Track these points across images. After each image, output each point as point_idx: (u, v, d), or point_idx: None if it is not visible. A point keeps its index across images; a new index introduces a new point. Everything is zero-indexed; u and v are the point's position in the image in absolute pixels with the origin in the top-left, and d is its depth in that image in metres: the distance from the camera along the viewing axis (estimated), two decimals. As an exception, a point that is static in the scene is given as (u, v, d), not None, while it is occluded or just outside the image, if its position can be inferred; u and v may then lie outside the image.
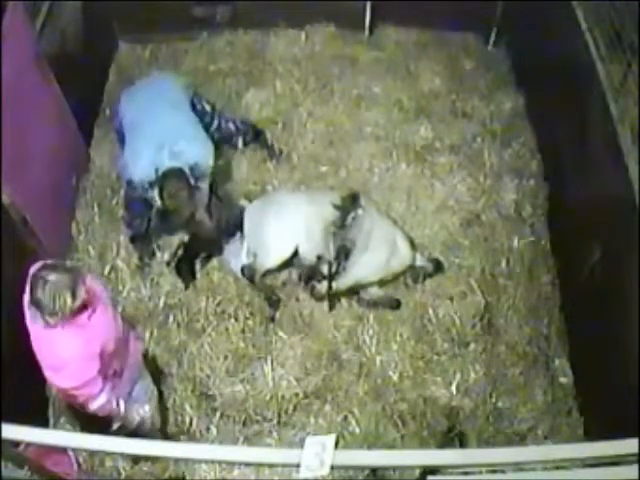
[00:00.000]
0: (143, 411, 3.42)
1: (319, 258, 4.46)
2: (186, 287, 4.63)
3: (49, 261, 3.00)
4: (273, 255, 4.49)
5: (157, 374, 4.14)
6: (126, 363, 3.40)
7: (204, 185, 4.51)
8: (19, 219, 4.01)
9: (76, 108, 4.98)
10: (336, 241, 4.42)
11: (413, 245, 4.61)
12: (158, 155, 4.29)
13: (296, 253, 4.49)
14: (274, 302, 4.53)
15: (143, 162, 4.33)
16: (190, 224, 4.55)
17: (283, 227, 4.46)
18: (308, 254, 4.49)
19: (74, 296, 2.85)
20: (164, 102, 4.57)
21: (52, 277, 2.82)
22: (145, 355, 3.82)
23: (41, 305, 2.85)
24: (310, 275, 4.53)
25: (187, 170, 4.31)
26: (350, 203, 4.48)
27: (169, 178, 4.27)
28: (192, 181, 4.32)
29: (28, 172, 4.18)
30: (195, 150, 4.41)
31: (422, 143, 5.41)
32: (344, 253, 4.43)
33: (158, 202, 4.39)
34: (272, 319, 4.49)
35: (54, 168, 4.69)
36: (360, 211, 4.46)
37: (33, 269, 2.91)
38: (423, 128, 5.48)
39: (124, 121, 4.66)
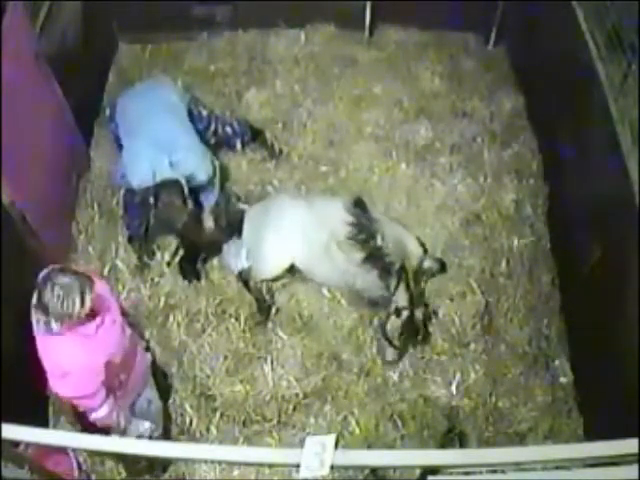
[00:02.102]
0: (143, 428, 3.38)
1: (396, 307, 4.18)
2: (189, 282, 4.65)
3: (58, 265, 2.97)
4: (270, 267, 4.49)
5: (164, 386, 4.12)
6: (131, 375, 3.37)
7: (211, 195, 4.60)
8: (19, 219, 4.01)
9: (76, 108, 4.98)
10: (393, 264, 4.21)
11: (423, 246, 4.58)
12: (157, 160, 4.31)
13: (292, 265, 4.48)
14: (265, 308, 4.52)
15: (142, 166, 4.34)
16: (187, 231, 4.56)
17: (281, 238, 4.41)
18: (305, 264, 4.45)
19: (82, 301, 2.81)
20: (161, 107, 4.57)
21: (61, 280, 2.79)
22: (154, 368, 3.81)
23: (48, 309, 2.81)
24: (411, 322, 4.16)
25: (183, 181, 4.34)
26: (360, 214, 4.32)
27: (165, 188, 4.31)
28: (187, 191, 4.34)
29: (28, 172, 4.18)
30: (192, 160, 4.44)
31: (422, 143, 5.42)
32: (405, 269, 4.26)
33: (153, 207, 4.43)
34: (257, 324, 4.48)
35: (54, 168, 4.69)
36: (381, 228, 4.29)
37: (42, 273, 2.87)
38: (423, 128, 5.48)
39: (120, 126, 4.67)
